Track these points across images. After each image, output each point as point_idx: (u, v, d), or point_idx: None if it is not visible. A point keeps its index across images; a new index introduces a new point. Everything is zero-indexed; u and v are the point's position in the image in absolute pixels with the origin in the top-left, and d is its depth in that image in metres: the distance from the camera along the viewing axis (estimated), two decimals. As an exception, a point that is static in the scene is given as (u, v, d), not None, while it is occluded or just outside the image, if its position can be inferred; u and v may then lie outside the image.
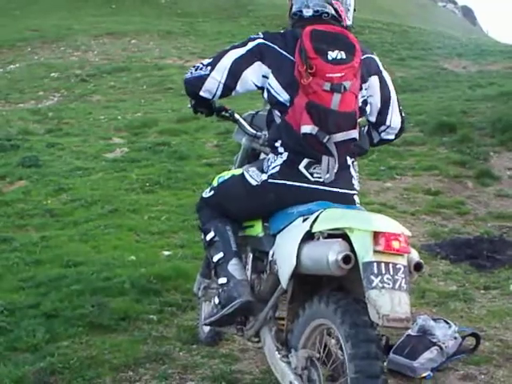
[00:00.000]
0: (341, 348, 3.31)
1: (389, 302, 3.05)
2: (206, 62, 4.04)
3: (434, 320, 4.97)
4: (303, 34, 3.75)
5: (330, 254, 3.22)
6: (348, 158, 3.89)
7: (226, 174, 4.34)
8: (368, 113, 4.10)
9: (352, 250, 3.20)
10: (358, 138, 3.84)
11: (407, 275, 3.14)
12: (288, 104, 3.82)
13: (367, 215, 3.44)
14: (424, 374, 4.60)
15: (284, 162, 3.82)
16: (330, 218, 3.45)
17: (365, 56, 3.95)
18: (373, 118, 4.16)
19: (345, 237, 3.26)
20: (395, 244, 3.13)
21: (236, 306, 3.94)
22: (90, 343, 5.05)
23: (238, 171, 4.24)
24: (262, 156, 4.46)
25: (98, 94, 19.78)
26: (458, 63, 23.19)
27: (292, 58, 3.81)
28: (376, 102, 4.09)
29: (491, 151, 10.81)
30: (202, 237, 4.34)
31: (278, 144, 3.86)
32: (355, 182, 3.94)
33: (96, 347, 4.97)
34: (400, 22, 40.26)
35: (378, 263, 3.10)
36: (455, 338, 4.82)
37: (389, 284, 3.08)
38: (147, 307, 5.69)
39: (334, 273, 3.24)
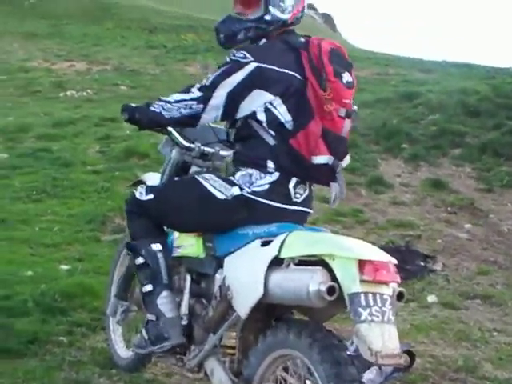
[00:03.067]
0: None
1: (379, 337, 2.91)
2: (194, 97, 3.64)
3: (371, 339, 4.83)
4: (322, 51, 3.50)
5: (311, 284, 2.99)
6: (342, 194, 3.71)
7: (157, 179, 4.22)
8: None
9: (333, 279, 2.99)
10: None
11: (394, 306, 2.99)
12: (290, 127, 3.55)
13: (345, 240, 3.25)
14: None
15: (274, 181, 3.56)
16: (302, 242, 3.23)
17: None
18: None
19: (323, 264, 3.04)
20: (384, 273, 2.98)
21: (166, 348, 3.75)
22: (-1, 371, 4.64)
23: (178, 179, 4.08)
24: (194, 168, 4.25)
25: (-40, 97, 18.90)
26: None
27: (298, 75, 3.55)
28: None
29: (379, 158, 10.95)
30: (130, 253, 4.02)
31: (269, 164, 3.56)
32: (313, 201, 3.77)
33: (8, 375, 4.52)
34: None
35: (366, 294, 2.92)
36: (391, 356, 4.70)
37: (378, 317, 2.92)
38: (55, 328, 5.29)
39: (315, 304, 3.03)
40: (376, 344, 2.88)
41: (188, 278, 3.90)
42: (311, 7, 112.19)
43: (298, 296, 3.07)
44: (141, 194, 3.90)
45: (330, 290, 2.96)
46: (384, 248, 7.03)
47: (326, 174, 3.57)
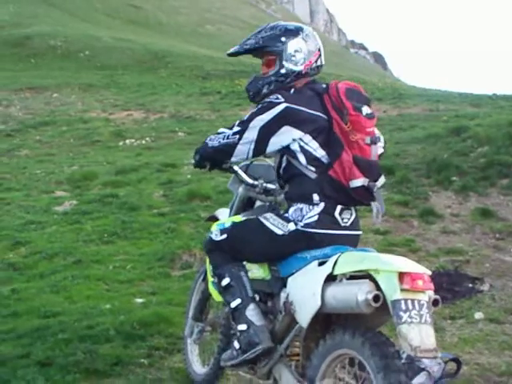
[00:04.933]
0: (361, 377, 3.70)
1: (418, 334, 3.50)
2: (232, 131, 4.32)
3: (420, 347, 5.35)
4: (340, 91, 4.17)
5: (359, 293, 3.63)
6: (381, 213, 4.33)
7: (230, 220, 4.73)
8: None
9: (378, 289, 3.61)
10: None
11: (430, 310, 3.62)
12: (326, 161, 4.18)
13: (387, 257, 3.86)
14: None
15: (322, 211, 4.17)
16: (351, 260, 3.86)
17: None
18: None
19: (369, 277, 3.67)
20: (420, 282, 3.59)
21: (258, 352, 4.29)
22: (90, 389, 5.25)
23: (245, 218, 4.65)
24: (258, 203, 4.91)
25: (25, 148, 19.59)
26: (378, 107, 23.87)
27: (324, 116, 4.20)
28: None
29: (429, 191, 11.35)
30: (216, 280, 4.63)
31: (315, 196, 4.17)
32: (360, 223, 4.39)
33: None
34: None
35: (405, 300, 3.54)
36: (439, 363, 5.21)
37: (416, 319, 3.53)
38: (136, 352, 5.92)
39: (363, 310, 3.64)
40: (415, 340, 3.48)
41: (256, 297, 4.47)
42: (362, 47, 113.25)
43: (349, 304, 3.70)
44: (216, 235, 4.60)
45: (376, 298, 3.60)
46: (434, 273, 7.58)
47: (365, 195, 4.19)
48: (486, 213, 10.41)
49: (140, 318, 6.52)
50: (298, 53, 4.39)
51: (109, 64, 39.55)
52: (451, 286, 7.45)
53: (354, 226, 4.29)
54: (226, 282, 4.46)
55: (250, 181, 4.89)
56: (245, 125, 4.29)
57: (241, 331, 4.36)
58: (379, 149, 4.44)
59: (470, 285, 7.58)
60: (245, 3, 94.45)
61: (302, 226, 4.18)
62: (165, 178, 13.46)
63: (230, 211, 5.12)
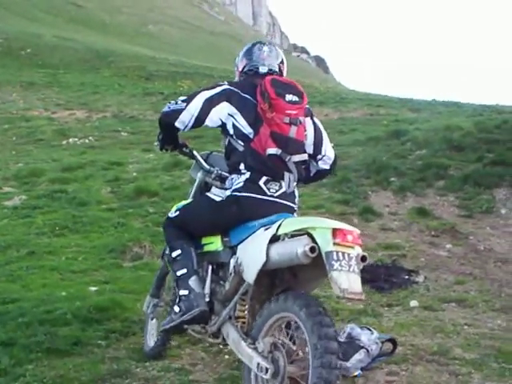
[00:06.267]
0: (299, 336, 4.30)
1: (346, 280, 4.08)
2: (181, 98, 5.08)
3: (360, 328, 5.84)
4: (265, 81, 4.92)
5: (299, 246, 4.21)
6: (294, 180, 4.95)
7: (184, 202, 5.45)
8: (305, 146, 5.12)
9: (315, 243, 4.18)
10: (307, 159, 5.08)
11: (358, 262, 4.20)
12: (251, 135, 4.92)
13: (323, 219, 4.51)
14: (355, 373, 5.50)
15: (247, 179, 4.87)
16: (293, 223, 4.47)
17: None
18: (310, 150, 5.20)
19: (307, 235, 4.24)
20: (349, 237, 4.19)
21: (195, 314, 4.93)
22: (52, 365, 5.61)
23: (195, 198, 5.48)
24: (214, 189, 5.41)
25: (-34, 146, 19.61)
26: (319, 111, 24.31)
27: (254, 100, 4.97)
28: (310, 136, 5.21)
29: (369, 190, 11.88)
30: (167, 252, 5.38)
31: (241, 166, 4.92)
32: (297, 199, 5.05)
33: (60, 368, 5.54)
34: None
35: (337, 252, 4.12)
36: (377, 342, 5.69)
37: (345, 267, 4.11)
38: (93, 334, 6.26)
39: (302, 261, 4.22)
40: (344, 284, 4.06)
41: (209, 268, 5.16)
42: (304, 51, 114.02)
43: (290, 257, 4.28)
44: (171, 213, 5.35)
45: (312, 249, 4.16)
46: (373, 265, 8.08)
47: (279, 164, 4.85)
48: (422, 212, 10.96)
49: (96, 303, 6.83)
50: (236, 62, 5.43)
51: (51, 63, 39.47)
52: (389, 278, 7.96)
53: (284, 197, 4.89)
54: (176, 253, 5.14)
55: (207, 167, 5.52)
56: (193, 96, 5.06)
57: (182, 296, 5.00)
58: (324, 165, 5.36)
59: (406, 276, 8.10)
60: (187, 4, 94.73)
61: (231, 191, 4.92)
62: (111, 175, 13.77)
63: (189, 194, 5.76)
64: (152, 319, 5.99)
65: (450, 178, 12.29)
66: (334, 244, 4.12)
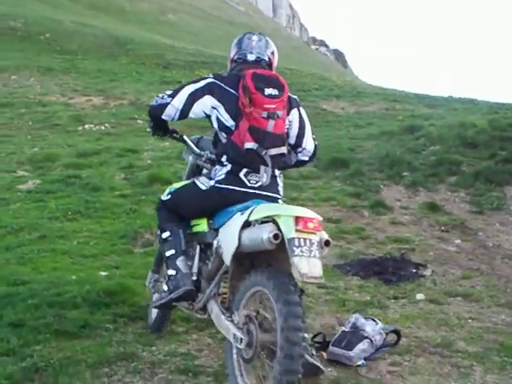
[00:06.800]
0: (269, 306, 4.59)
1: (306, 265, 4.39)
2: (168, 92, 5.42)
3: (365, 318, 5.92)
4: (246, 75, 5.15)
5: (264, 233, 4.53)
6: (276, 170, 5.28)
7: (178, 184, 5.76)
8: (289, 137, 5.46)
9: (279, 230, 4.49)
10: (286, 153, 5.30)
11: (319, 248, 4.53)
12: (233, 128, 5.18)
13: (289, 206, 4.88)
14: (359, 362, 5.60)
15: (228, 171, 5.19)
16: (262, 210, 4.77)
17: (289, 95, 5.36)
18: (292, 141, 5.52)
19: (273, 222, 4.56)
20: (310, 225, 4.50)
21: (181, 292, 5.27)
22: (60, 347, 5.69)
23: (187, 182, 5.70)
24: (205, 171, 5.78)
25: (-18, 128, 19.67)
26: (336, 104, 24.37)
27: (236, 93, 5.20)
28: (295, 128, 5.50)
29: (381, 184, 11.94)
30: (159, 233, 5.65)
31: (223, 158, 5.24)
32: (280, 189, 5.37)
33: (68, 350, 5.63)
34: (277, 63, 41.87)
35: (299, 239, 4.44)
36: (381, 333, 5.77)
37: (306, 253, 4.42)
38: (102, 317, 6.33)
39: (267, 247, 4.54)
40: (304, 269, 4.37)
41: (198, 247, 5.51)
42: (323, 44, 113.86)
43: (257, 243, 4.60)
44: (164, 196, 5.69)
45: (275, 236, 4.48)
46: (381, 258, 8.15)
47: (256, 158, 5.13)
48: (433, 207, 11.01)
49: (105, 287, 6.91)
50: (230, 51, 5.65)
51: (69, 48, 39.37)
52: (396, 270, 8.04)
53: (265, 188, 5.19)
54: (165, 235, 5.51)
55: (197, 150, 5.87)
56: (178, 90, 5.39)
57: (170, 275, 5.37)
58: (303, 156, 5.67)
59: (414, 270, 8.17)
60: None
61: (214, 182, 5.25)
62: (125, 162, 13.81)
63: (183, 177, 6.11)
64: (154, 293, 6.20)
65: (461, 174, 12.35)
66: (296, 231, 4.45)
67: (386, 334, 5.86)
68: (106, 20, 57.10)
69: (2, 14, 43.49)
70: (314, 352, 4.97)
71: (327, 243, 4.65)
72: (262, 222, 4.68)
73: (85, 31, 43.87)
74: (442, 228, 10.06)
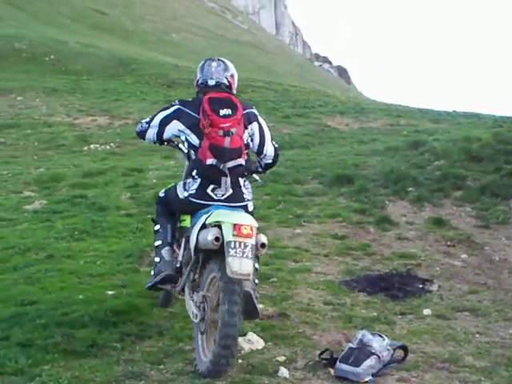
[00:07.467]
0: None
1: (238, 264, 5.38)
2: (146, 120, 6.50)
3: (372, 334, 5.93)
4: (204, 100, 6.00)
5: (209, 236, 5.61)
6: (240, 179, 6.15)
7: (171, 184, 6.68)
8: (252, 147, 6.38)
9: (222, 234, 5.51)
10: (244, 163, 6.11)
11: (253, 250, 5.50)
12: (198, 146, 6.04)
13: (233, 213, 5.78)
14: (366, 379, 5.62)
15: (198, 186, 6.09)
16: (215, 215, 5.74)
17: (246, 111, 6.26)
18: (255, 149, 6.47)
19: (219, 227, 5.58)
20: (244, 231, 5.49)
21: (162, 276, 6.32)
22: (68, 366, 5.75)
23: (174, 184, 6.61)
24: (179, 187, 6.49)
25: (-12, 150, 19.68)
26: (340, 121, 24.35)
27: (198, 116, 6.05)
28: (256, 139, 6.41)
29: (386, 200, 11.93)
30: (153, 225, 6.71)
31: (194, 172, 6.13)
32: (246, 195, 6.21)
33: (76, 369, 5.68)
34: (280, 80, 42.00)
35: (234, 242, 5.45)
36: (388, 349, 5.77)
37: (239, 254, 5.41)
38: (109, 337, 6.39)
39: (212, 247, 5.61)
40: (235, 267, 5.38)
41: (184, 239, 6.31)
42: (326, 60, 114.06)
43: (206, 243, 5.65)
44: (161, 192, 6.72)
45: (217, 239, 5.57)
46: (387, 274, 8.16)
47: (216, 172, 5.97)
48: (439, 222, 10.99)
49: (112, 307, 6.96)
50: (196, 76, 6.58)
51: (74, 69, 39.48)
52: (403, 286, 8.04)
53: (230, 199, 6.06)
54: (156, 227, 6.58)
55: None
56: (152, 117, 6.42)
57: (155, 262, 6.45)
58: (267, 160, 6.57)
59: (420, 285, 8.17)
60: (210, 13, 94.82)
61: (188, 195, 6.15)
62: (131, 181, 13.87)
63: (182, 177, 6.70)
64: None
65: (467, 189, 12.30)
66: (234, 235, 5.47)
67: (394, 349, 5.87)
68: (109, 40, 57.29)
69: (7, 35, 43.66)
70: (258, 295, 6.06)
71: (263, 245, 5.77)
72: (214, 226, 5.66)
73: (89, 52, 43.99)
74: (448, 243, 10.04)
